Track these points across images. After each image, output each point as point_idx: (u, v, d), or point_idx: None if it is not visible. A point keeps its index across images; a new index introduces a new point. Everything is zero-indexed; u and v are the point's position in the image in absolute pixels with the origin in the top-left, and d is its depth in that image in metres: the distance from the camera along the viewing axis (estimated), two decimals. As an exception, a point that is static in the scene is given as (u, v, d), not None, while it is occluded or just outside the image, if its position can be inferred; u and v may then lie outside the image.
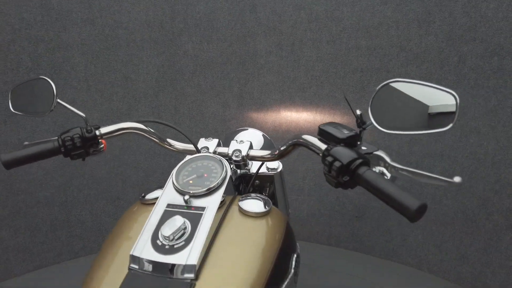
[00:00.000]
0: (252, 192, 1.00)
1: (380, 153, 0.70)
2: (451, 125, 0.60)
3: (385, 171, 0.68)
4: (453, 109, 0.59)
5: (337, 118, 2.04)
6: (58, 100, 0.80)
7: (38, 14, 1.76)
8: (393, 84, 0.66)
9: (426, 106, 0.62)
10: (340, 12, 1.92)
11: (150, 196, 0.82)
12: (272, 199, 1.02)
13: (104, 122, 1.17)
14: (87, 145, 0.81)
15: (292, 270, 0.72)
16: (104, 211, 2.10)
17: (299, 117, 2.13)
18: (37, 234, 1.91)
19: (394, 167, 0.67)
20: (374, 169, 0.67)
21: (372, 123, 0.66)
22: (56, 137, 0.78)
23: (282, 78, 2.09)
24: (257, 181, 0.99)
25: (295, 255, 0.75)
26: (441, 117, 0.61)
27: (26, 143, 0.80)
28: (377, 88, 0.67)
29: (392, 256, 2.05)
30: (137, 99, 2.09)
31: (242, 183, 0.99)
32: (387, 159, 0.69)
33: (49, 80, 0.79)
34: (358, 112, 0.69)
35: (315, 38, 1.99)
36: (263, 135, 1.18)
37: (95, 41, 1.91)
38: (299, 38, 2.01)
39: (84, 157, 0.84)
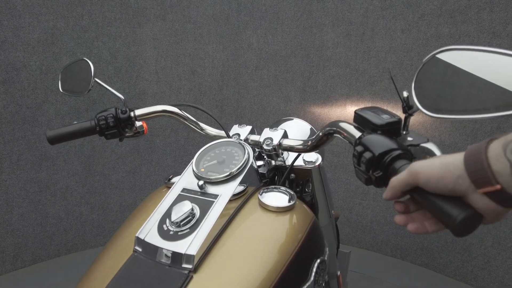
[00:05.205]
0: (289, 186, 0.92)
1: (429, 145, 0.55)
2: None
3: None
4: None
5: (414, 118, 1.82)
6: (96, 79, 0.84)
7: (118, 12, 1.93)
8: (444, 55, 0.52)
9: (491, 81, 0.46)
10: (419, -4, 1.70)
11: (175, 179, 0.81)
12: (312, 196, 0.93)
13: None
14: (121, 125, 0.83)
15: (312, 278, 0.64)
16: (168, 197, 2.22)
17: (368, 115, 1.95)
18: (109, 213, 2.10)
19: None
20: None
21: (418, 107, 0.54)
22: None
23: (349, 70, 1.94)
24: (292, 175, 0.91)
25: (318, 261, 0.66)
26: None
27: (75, 122, 0.85)
28: (424, 60, 0.54)
29: (470, 280, 1.75)
30: (203, 92, 2.15)
31: (278, 176, 0.92)
32: (438, 153, 0.55)
33: (88, 60, 0.84)
34: (405, 94, 0.56)
35: (389, 27, 1.80)
36: (311, 128, 1.08)
37: (165, 35, 2.02)
38: (370, 27, 1.85)
39: (120, 138, 0.86)
